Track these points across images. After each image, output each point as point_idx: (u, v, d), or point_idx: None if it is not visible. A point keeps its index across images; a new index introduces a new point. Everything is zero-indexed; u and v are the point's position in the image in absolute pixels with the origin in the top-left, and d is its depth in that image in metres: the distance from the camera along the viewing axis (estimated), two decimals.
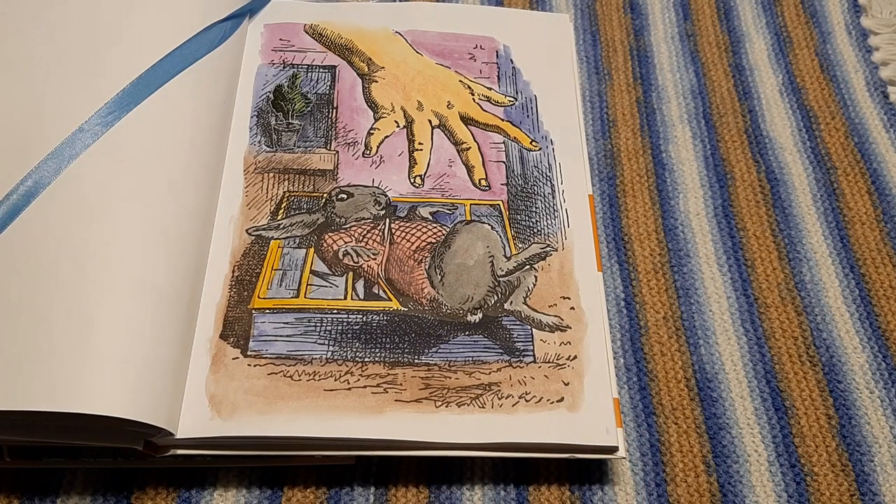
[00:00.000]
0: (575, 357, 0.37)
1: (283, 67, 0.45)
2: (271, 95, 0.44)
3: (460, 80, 0.46)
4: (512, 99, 0.46)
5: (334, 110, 0.44)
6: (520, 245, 0.40)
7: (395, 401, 0.35)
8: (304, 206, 0.41)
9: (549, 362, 0.37)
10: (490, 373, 0.36)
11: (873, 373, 0.41)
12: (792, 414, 0.39)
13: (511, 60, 0.47)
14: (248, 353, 0.36)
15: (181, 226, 0.37)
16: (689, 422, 0.39)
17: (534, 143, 0.44)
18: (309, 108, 0.44)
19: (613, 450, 0.35)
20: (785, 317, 0.42)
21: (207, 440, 0.34)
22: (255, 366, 0.35)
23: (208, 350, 0.36)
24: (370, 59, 0.46)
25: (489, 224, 0.41)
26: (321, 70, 0.46)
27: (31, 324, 0.32)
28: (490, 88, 0.46)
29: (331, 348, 0.36)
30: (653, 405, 0.40)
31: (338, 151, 0.43)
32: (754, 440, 0.39)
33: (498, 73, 0.47)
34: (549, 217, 0.41)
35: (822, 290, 0.43)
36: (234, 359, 0.36)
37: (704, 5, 0.54)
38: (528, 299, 0.39)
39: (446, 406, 0.35)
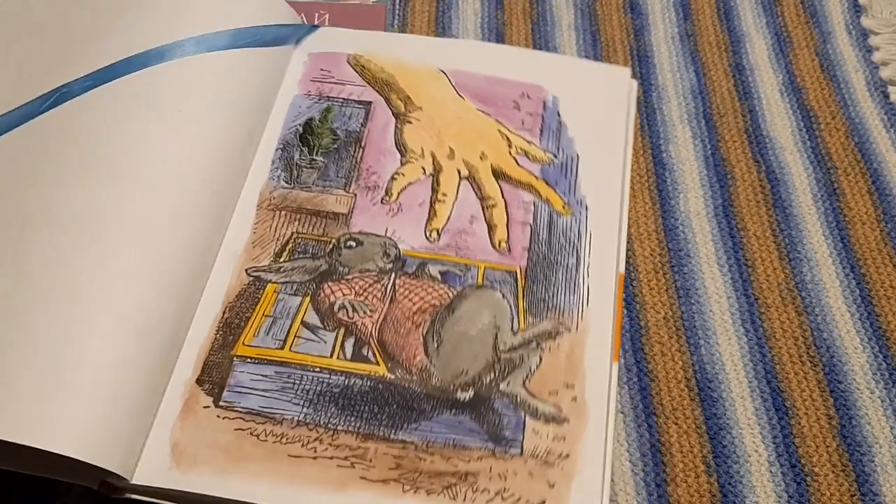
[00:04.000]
0: (567, 456, 0.34)
1: (319, 99, 0.44)
2: (300, 129, 0.43)
3: (499, 130, 0.43)
4: (552, 156, 0.42)
5: (361, 150, 0.42)
6: (530, 319, 0.37)
7: (361, 478, 0.33)
8: (310, 250, 0.39)
9: (536, 457, 0.33)
10: (469, 461, 0.33)
11: (874, 373, 0.40)
12: (792, 414, 0.39)
13: (558, 113, 0.44)
14: (221, 402, 0.34)
15: (178, 261, 0.36)
16: (689, 422, 0.39)
17: (566, 208, 0.41)
18: (336, 146, 0.42)
19: None
20: (785, 317, 0.42)
21: (162, 491, 0.32)
22: (224, 418, 0.34)
23: (182, 394, 0.34)
24: (409, 97, 0.44)
25: (500, 292, 0.38)
26: (356, 105, 0.44)
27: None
28: (530, 142, 0.43)
29: (304, 409, 0.34)
30: (653, 405, 0.39)
31: (356, 194, 0.41)
32: (755, 440, 0.38)
33: (542, 126, 0.43)
34: (567, 292, 0.38)
35: (823, 290, 0.43)
36: (205, 407, 0.34)
37: (704, 5, 0.54)
38: (527, 382, 0.35)
39: (415, 492, 0.33)
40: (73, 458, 0.30)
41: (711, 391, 0.39)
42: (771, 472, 0.38)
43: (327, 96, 0.44)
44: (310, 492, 0.32)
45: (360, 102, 0.44)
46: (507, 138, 0.43)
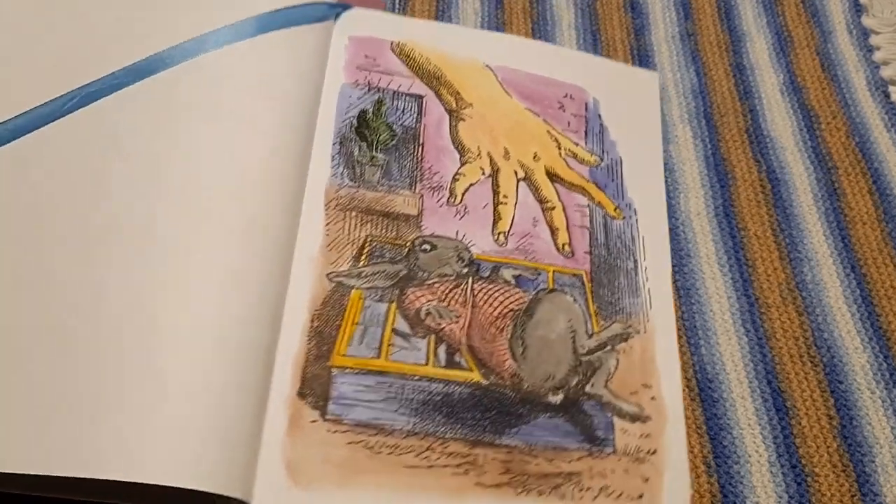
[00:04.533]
0: (655, 451, 0.36)
1: (369, 90, 0.42)
2: (355, 122, 0.41)
3: (548, 131, 0.44)
4: (598, 159, 0.44)
5: (420, 147, 0.42)
6: (601, 322, 0.39)
7: (476, 484, 0.34)
8: (387, 254, 0.38)
9: (629, 455, 0.36)
10: (570, 461, 0.35)
11: (874, 373, 0.41)
12: (793, 414, 0.40)
13: (599, 116, 0.45)
14: (328, 416, 0.34)
15: (260, 270, 0.34)
16: (689, 422, 0.39)
17: (618, 211, 0.43)
18: (394, 142, 0.41)
19: None
20: (786, 317, 0.42)
21: None
22: (334, 432, 0.33)
23: (285, 409, 0.33)
24: (458, 92, 0.44)
25: (571, 296, 0.40)
26: (407, 98, 0.43)
27: (97, 380, 0.30)
28: (577, 144, 0.44)
29: (412, 419, 0.34)
30: None
31: (422, 195, 0.40)
32: (755, 441, 0.39)
33: (586, 128, 0.45)
34: (631, 295, 0.40)
35: (824, 290, 0.44)
36: (312, 422, 0.33)
37: (705, 4, 0.54)
38: (609, 383, 0.38)
39: (527, 494, 0.34)
40: (196, 491, 0.29)
41: (712, 391, 0.40)
42: (771, 472, 0.38)
43: (377, 87, 0.43)
44: (431, 501, 0.33)
45: (411, 96, 0.43)
46: (556, 139, 0.44)
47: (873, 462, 0.39)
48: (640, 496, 0.35)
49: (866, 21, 0.54)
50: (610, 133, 0.45)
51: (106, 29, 0.38)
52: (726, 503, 0.37)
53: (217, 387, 0.31)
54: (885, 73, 0.51)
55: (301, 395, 0.34)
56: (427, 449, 0.34)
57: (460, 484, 0.33)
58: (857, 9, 0.55)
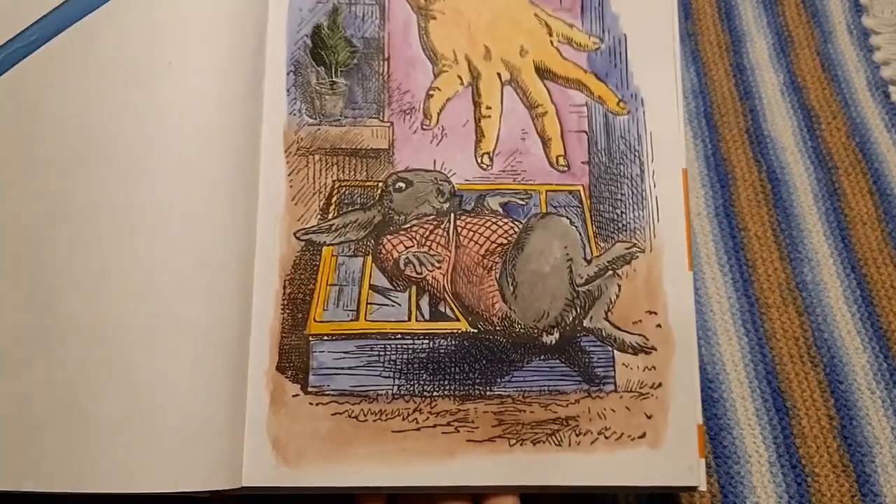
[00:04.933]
0: (659, 385, 0.34)
1: None
2: (309, 41, 0.36)
3: (536, 14, 0.38)
4: (598, 40, 0.38)
5: (385, 62, 0.37)
6: (601, 244, 0.36)
7: (468, 441, 0.33)
8: (358, 199, 0.35)
9: (630, 391, 0.34)
10: (567, 405, 0.34)
11: (874, 373, 0.42)
12: (793, 415, 0.40)
13: None
14: (309, 388, 0.33)
15: (222, 241, 0.32)
16: None
17: (621, 105, 0.37)
18: (355, 60, 0.36)
19: (694, 487, 0.34)
20: (786, 317, 0.43)
21: (274, 489, 0.32)
22: (317, 404, 0.33)
23: (265, 385, 0.33)
24: None
25: (567, 218, 0.36)
26: (366, 2, 0.37)
27: (64, 391, 0.30)
28: (571, 26, 0.38)
29: (396, 382, 0.33)
30: None
31: (392, 122, 0.36)
32: (755, 441, 0.40)
33: (582, 2, 0.38)
34: (636, 207, 0.36)
35: (824, 290, 0.44)
36: (294, 396, 0.33)
37: (705, 5, 0.53)
38: (609, 314, 0.35)
39: (520, 444, 0.33)
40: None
41: (712, 392, 0.40)
42: (771, 472, 0.39)
43: None
44: (422, 464, 0.33)
45: None
46: (547, 24, 0.38)
47: (873, 462, 0.39)
48: (643, 435, 0.34)
49: (866, 21, 0.53)
50: (611, 5, 0.38)
51: None
52: (726, 503, 0.38)
53: (192, 379, 0.31)
54: (885, 73, 0.51)
55: (280, 369, 0.33)
56: (415, 411, 0.33)
57: (451, 443, 0.33)
58: (858, 9, 0.54)
